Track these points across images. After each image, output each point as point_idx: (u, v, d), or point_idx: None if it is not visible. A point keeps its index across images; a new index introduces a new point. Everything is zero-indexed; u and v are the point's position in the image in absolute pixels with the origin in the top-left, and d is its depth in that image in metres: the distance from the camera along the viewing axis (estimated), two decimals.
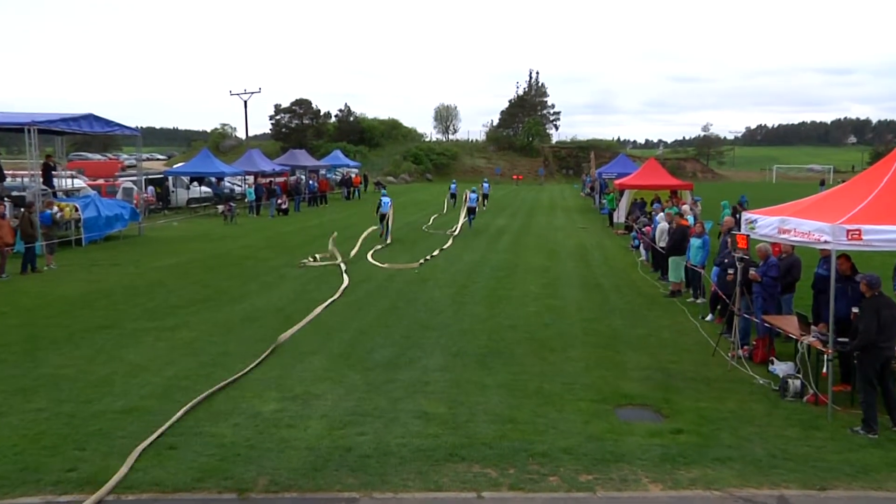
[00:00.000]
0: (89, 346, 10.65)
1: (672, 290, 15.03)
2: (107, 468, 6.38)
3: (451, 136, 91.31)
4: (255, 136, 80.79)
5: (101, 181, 33.40)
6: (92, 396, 8.36)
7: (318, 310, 13.01)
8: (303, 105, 75.73)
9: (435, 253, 21.24)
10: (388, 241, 23.50)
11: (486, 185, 41.14)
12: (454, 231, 26.99)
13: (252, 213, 34.39)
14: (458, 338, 11.27)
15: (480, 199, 33.59)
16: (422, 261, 19.51)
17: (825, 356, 8.32)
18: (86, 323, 12.08)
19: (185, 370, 9.44)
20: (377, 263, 19.00)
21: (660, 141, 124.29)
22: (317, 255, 19.27)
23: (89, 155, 64.43)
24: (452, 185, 41.10)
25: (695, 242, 14.21)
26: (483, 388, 8.80)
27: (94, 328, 11.71)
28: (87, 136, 43.62)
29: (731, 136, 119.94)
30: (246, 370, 9.34)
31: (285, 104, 75.59)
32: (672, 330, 12.04)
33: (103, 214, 23.20)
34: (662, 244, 16.42)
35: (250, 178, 39.81)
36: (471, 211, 29.09)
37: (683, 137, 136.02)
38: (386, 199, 25.21)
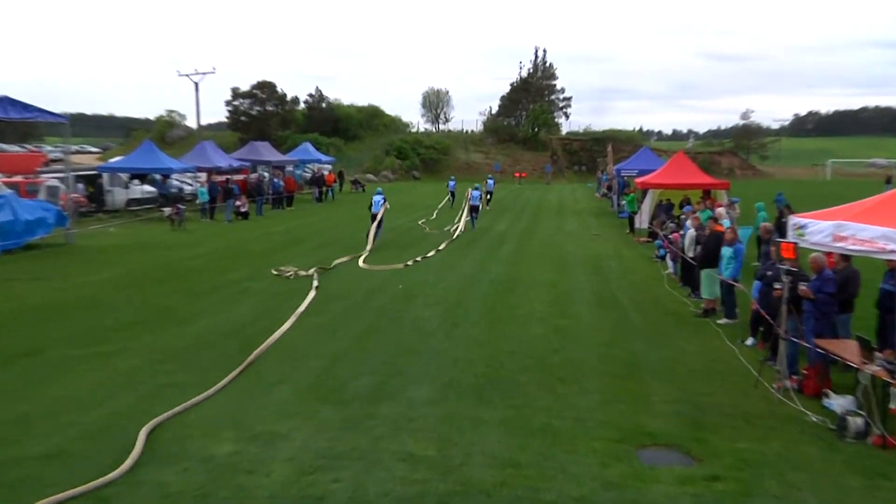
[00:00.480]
0: (7, 376, 10.57)
1: (705, 308, 15.08)
2: None
3: (441, 127, 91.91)
4: (209, 126, 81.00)
5: (18, 178, 33.11)
6: (9, 438, 8.27)
7: (282, 329, 12.94)
8: (265, 89, 75.94)
9: (429, 254, 22.59)
10: (370, 247, 23.63)
11: (490, 182, 44.45)
12: (454, 231, 28.14)
13: (205, 217, 34.48)
14: (450, 365, 11.27)
15: (484, 197, 34.36)
16: (410, 262, 20.89)
17: (893, 389, 8.33)
18: (1, 349, 11.97)
19: (124, 405, 9.36)
20: (365, 266, 20.48)
21: (690, 132, 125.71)
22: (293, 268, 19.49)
23: (4, 146, 64.26)
24: (451, 183, 42.47)
25: (726, 252, 14.25)
26: (480, 425, 8.79)
27: (12, 355, 11.61)
28: (0, 123, 43.40)
29: (775, 126, 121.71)
30: (193, 401, 9.29)
31: (244, 87, 76.09)
32: (705, 356, 12.07)
33: (22, 218, 23.04)
34: (693, 254, 16.49)
35: (203, 176, 39.82)
36: (473, 210, 29.81)
37: (718, 127, 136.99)
38: (377, 198, 25.95)
